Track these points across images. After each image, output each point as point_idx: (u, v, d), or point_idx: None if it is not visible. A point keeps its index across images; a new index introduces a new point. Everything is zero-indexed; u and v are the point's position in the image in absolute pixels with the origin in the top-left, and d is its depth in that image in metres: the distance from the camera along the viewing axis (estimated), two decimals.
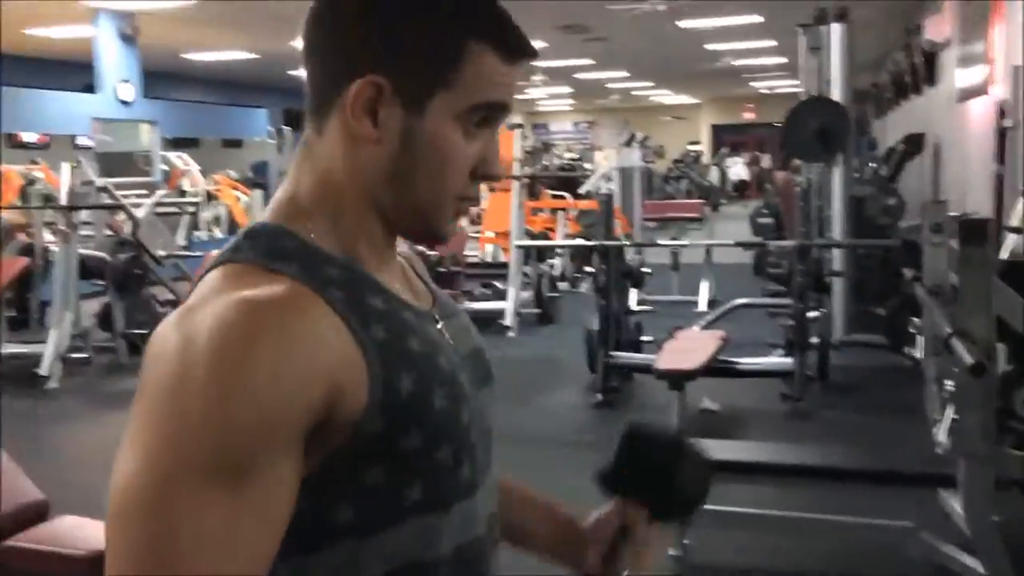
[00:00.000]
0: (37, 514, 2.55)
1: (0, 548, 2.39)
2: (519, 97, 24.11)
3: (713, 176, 22.20)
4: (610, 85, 21.34)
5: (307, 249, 0.79)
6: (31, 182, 10.44)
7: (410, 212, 0.83)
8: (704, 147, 27.24)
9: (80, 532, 2.43)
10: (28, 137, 12.57)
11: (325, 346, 0.73)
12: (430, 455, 0.78)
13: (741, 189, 24.01)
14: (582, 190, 12.86)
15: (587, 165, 18.88)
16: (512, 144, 8.31)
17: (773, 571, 3.38)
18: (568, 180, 14.44)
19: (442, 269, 6.68)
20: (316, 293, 0.75)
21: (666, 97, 25.86)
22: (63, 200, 6.78)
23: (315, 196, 0.83)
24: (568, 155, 22.04)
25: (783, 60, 16.04)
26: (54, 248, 6.91)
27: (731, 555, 3.46)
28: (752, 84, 21.81)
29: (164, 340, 0.72)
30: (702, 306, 8.09)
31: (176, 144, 14.35)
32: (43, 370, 6.12)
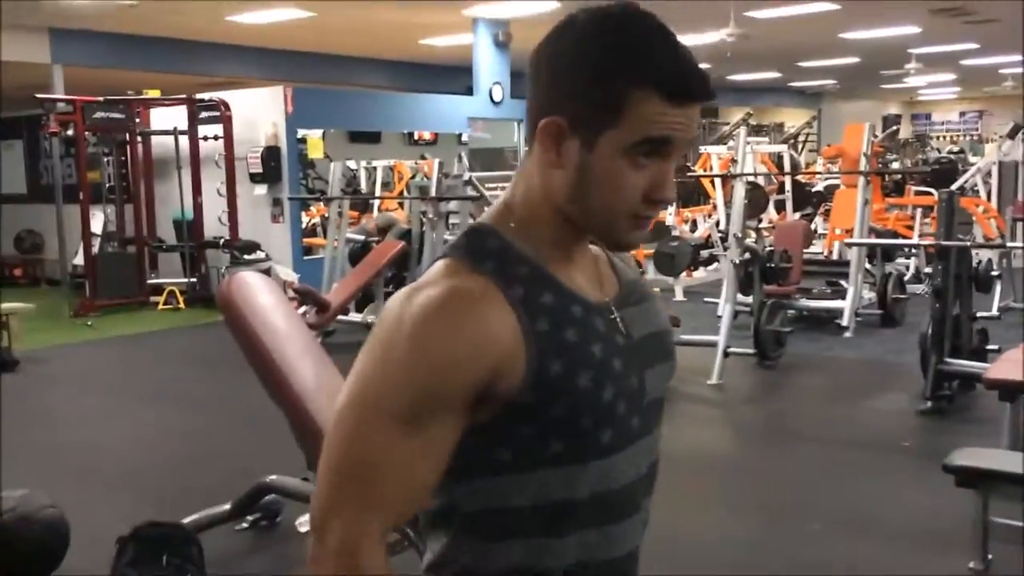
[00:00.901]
0: None
1: None
2: (897, 87, 22.61)
3: None
4: (1003, 71, 19.30)
5: (505, 249, 1.03)
6: (414, 175, 11.81)
7: (587, 224, 1.04)
8: None
9: None
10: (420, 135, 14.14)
11: (496, 334, 0.96)
12: (573, 422, 0.99)
13: None
14: (955, 186, 11.93)
15: (973, 159, 17.28)
16: (861, 138, 7.95)
17: None
18: (942, 175, 13.35)
19: (771, 265, 6.62)
20: (501, 290, 0.98)
21: None
22: (432, 192, 7.67)
23: (520, 205, 1.06)
24: (949, 148, 20.26)
25: None
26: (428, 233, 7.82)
27: None
28: None
29: (390, 309, 1.00)
30: None
31: None
32: None
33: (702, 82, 0.99)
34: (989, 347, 5.68)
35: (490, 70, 11.91)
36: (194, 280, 10.10)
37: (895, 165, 17.56)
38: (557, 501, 1.01)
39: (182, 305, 9.87)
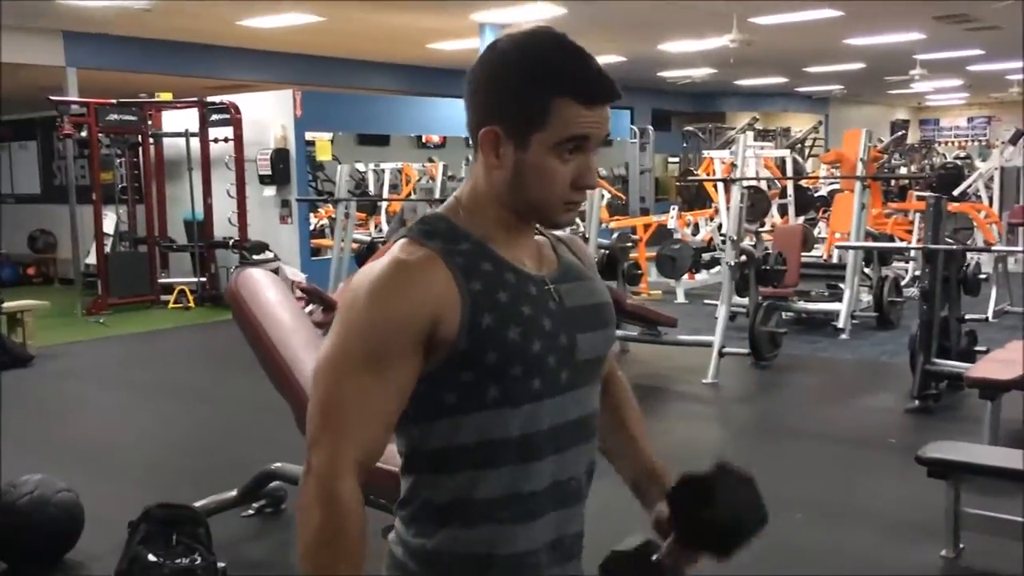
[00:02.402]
0: None
1: None
2: (904, 92, 22.69)
3: None
4: (1009, 77, 19.39)
5: (452, 229, 1.24)
6: (421, 178, 11.98)
7: (527, 211, 1.24)
8: None
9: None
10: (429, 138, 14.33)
11: (435, 290, 1.17)
12: (504, 369, 1.18)
13: None
14: (957, 191, 12.06)
15: (980, 164, 17.36)
16: (857, 144, 8.09)
17: None
18: (946, 180, 13.46)
19: (766, 267, 6.77)
20: (442, 259, 1.19)
21: None
22: (436, 194, 7.85)
23: (468, 199, 1.27)
24: (956, 154, 20.32)
25: None
26: None
27: (1018, 565, 3.34)
28: None
29: (352, 283, 1.21)
30: None
31: None
32: None
33: (609, 86, 1.19)
34: (977, 348, 5.82)
35: None
36: (204, 279, 10.29)
37: (902, 170, 17.68)
38: (494, 439, 1.19)
39: (192, 304, 10.07)
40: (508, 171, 1.20)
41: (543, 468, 1.22)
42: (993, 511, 3.42)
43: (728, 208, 9.56)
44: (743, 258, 6.74)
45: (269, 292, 3.59)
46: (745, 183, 7.48)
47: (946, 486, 3.36)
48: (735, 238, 6.58)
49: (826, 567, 3.44)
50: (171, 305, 10.08)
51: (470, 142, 1.27)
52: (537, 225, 1.30)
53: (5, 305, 7.38)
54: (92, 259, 10.43)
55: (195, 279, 10.32)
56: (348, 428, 1.15)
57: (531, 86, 1.17)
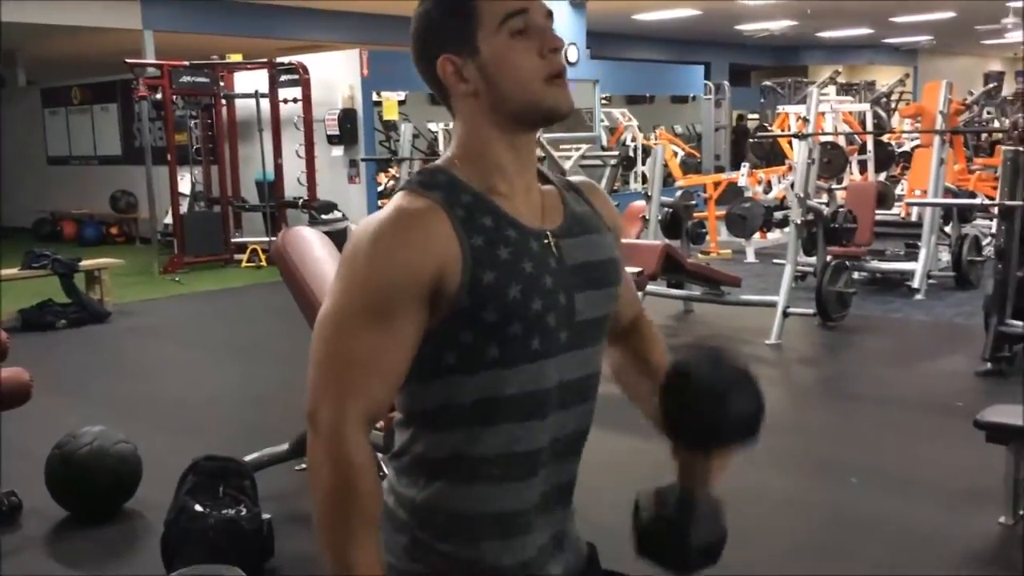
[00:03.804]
0: None
1: None
2: (998, 42, 21.64)
3: None
4: None
5: (452, 182, 1.19)
6: None
7: (522, 109, 1.18)
8: None
9: None
10: None
11: (439, 242, 1.14)
12: (504, 328, 1.15)
13: None
14: None
15: None
16: (938, 97, 7.75)
17: None
18: None
19: (835, 225, 6.56)
20: (444, 210, 1.15)
21: None
22: None
23: (459, 146, 1.23)
24: None
25: None
26: None
27: None
28: None
29: (352, 235, 1.18)
30: None
31: (629, 101, 15.28)
32: None
33: None
34: None
35: (566, 31, 11.89)
36: (275, 239, 10.44)
37: (995, 124, 16.89)
38: (491, 397, 1.16)
39: (264, 262, 10.26)
40: (479, 83, 1.18)
41: (541, 427, 1.20)
42: None
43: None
44: (810, 216, 6.54)
45: (315, 250, 3.62)
46: (821, 139, 7.24)
47: (1006, 451, 3.22)
48: (802, 195, 6.39)
49: (880, 533, 3.35)
50: (244, 264, 10.29)
51: (440, 98, 1.25)
52: (541, 126, 1.25)
53: (83, 263, 7.63)
54: (169, 219, 10.70)
55: (267, 238, 10.49)
56: (353, 385, 1.13)
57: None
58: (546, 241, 1.21)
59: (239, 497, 3.16)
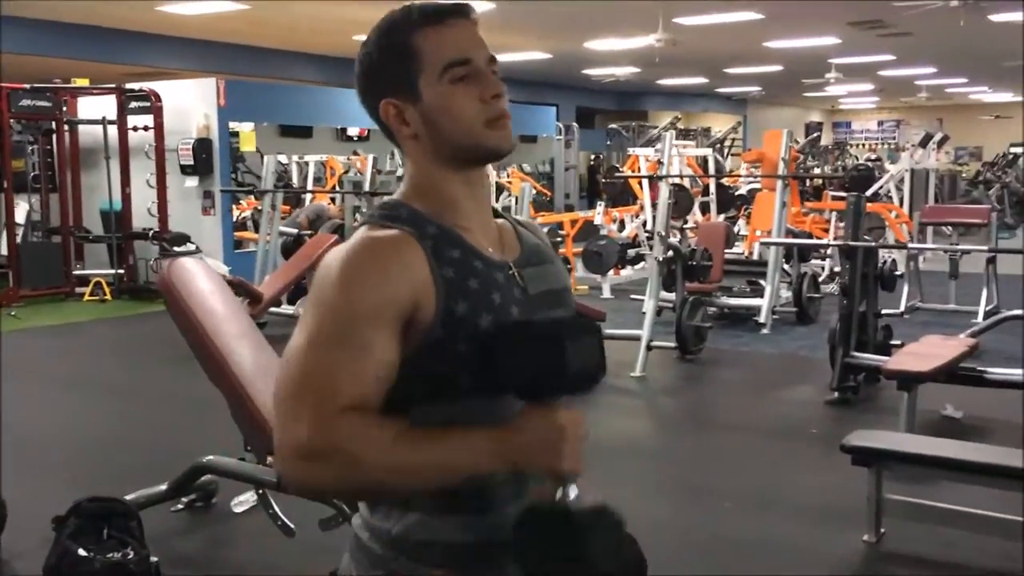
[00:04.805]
0: None
1: None
2: (818, 95, 23.33)
3: None
4: (918, 82, 20.12)
5: (415, 214, 1.22)
6: (347, 171, 11.86)
7: (464, 150, 1.22)
8: None
9: None
10: (352, 131, 14.16)
11: (412, 272, 1.15)
12: (475, 358, 1.17)
13: None
14: (870, 192, 12.49)
15: (889, 166, 17.99)
16: (779, 144, 8.31)
17: (977, 570, 3.36)
18: (859, 181, 13.91)
19: (693, 263, 6.90)
20: (415, 239, 1.18)
21: (984, 95, 23.88)
22: (366, 186, 7.79)
23: (411, 185, 1.26)
24: (867, 156, 21.01)
25: None
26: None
27: (936, 549, 3.48)
28: None
29: (324, 261, 1.19)
30: (980, 317, 7.74)
31: None
32: None
33: (456, 3, 1.24)
34: (893, 342, 6.04)
35: None
36: (121, 271, 10.01)
37: (816, 171, 18.21)
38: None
39: (109, 296, 9.78)
40: (421, 127, 1.21)
41: None
42: (912, 497, 3.57)
43: (654, 205, 9.72)
44: (670, 254, 6.86)
45: (202, 282, 3.53)
46: (670, 180, 7.62)
47: (868, 473, 3.48)
48: (663, 234, 6.70)
49: (753, 554, 3.54)
50: (87, 297, 9.77)
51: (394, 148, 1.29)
52: (486, 163, 1.29)
53: None
54: (3, 249, 10.04)
55: (112, 271, 10.03)
56: (334, 390, 1.10)
57: (390, 40, 1.22)
58: (510, 272, 1.25)
59: (125, 539, 3.02)
